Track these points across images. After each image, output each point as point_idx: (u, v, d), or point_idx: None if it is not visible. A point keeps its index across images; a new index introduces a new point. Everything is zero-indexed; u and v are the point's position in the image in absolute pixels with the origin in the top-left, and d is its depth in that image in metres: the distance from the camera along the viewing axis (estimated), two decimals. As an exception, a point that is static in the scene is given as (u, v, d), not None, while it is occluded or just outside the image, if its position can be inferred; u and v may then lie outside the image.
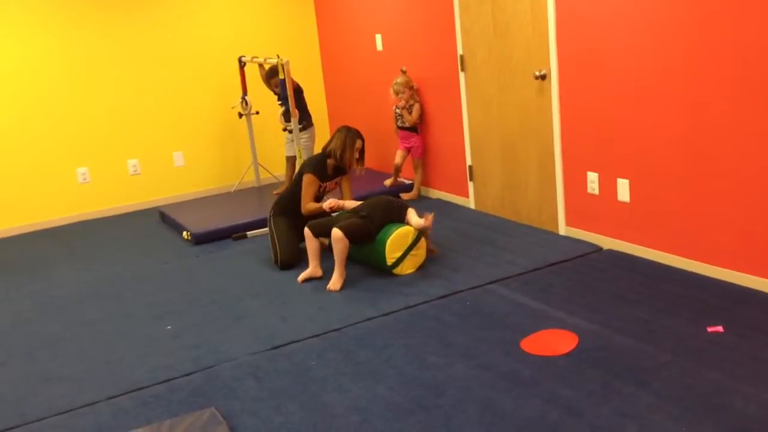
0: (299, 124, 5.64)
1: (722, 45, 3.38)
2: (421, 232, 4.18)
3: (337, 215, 4.33)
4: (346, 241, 4.01)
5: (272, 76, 5.88)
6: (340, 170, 4.71)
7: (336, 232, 3.99)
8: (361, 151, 4.67)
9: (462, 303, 3.68)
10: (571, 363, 2.93)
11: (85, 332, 3.81)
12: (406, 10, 5.73)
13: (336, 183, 4.75)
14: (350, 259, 4.20)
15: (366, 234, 4.14)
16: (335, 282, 4.05)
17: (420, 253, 4.21)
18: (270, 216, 4.65)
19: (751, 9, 3.21)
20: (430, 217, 4.16)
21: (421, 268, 4.20)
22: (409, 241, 4.14)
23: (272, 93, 6.06)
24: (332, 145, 4.61)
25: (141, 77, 6.44)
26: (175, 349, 3.47)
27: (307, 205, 4.56)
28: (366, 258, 4.30)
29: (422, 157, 5.87)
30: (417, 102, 5.72)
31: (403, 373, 3.01)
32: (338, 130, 4.67)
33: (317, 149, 5.41)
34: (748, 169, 3.39)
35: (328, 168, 4.64)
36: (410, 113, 5.72)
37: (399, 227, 4.14)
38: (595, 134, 4.20)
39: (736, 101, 3.37)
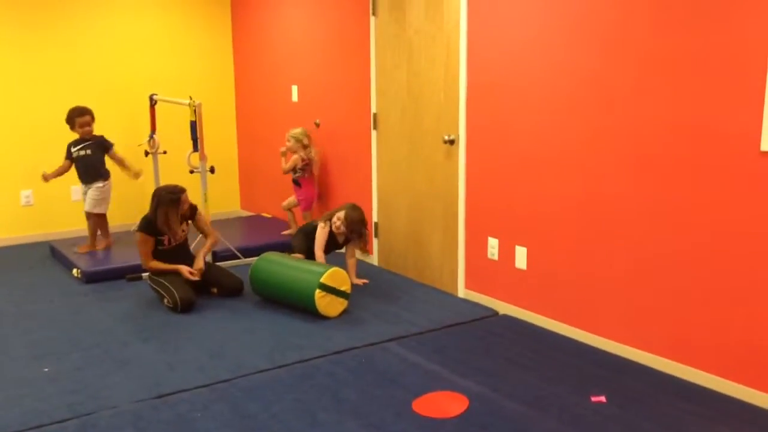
0: (103, 180, 5.63)
1: (621, 123, 3.58)
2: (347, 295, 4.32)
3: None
4: None
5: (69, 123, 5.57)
6: (185, 216, 4.61)
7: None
8: (191, 207, 4.61)
9: (357, 359, 3.65)
10: (459, 426, 2.95)
11: (-47, 370, 3.55)
12: (324, 64, 5.81)
13: (184, 231, 4.62)
14: (275, 289, 4.38)
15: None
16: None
17: (337, 308, 4.25)
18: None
19: (649, 89, 3.43)
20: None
21: (320, 320, 4.17)
22: (341, 288, 4.23)
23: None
24: (150, 214, 4.46)
25: (42, 104, 6.21)
26: (52, 393, 3.27)
27: (149, 263, 4.50)
28: (299, 271, 4.31)
29: (308, 211, 5.90)
30: (295, 153, 5.73)
31: (291, 429, 2.93)
32: (152, 196, 4.49)
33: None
34: (636, 245, 3.57)
35: (159, 223, 4.43)
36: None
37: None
38: (497, 201, 4.34)
39: (630, 179, 3.57)
